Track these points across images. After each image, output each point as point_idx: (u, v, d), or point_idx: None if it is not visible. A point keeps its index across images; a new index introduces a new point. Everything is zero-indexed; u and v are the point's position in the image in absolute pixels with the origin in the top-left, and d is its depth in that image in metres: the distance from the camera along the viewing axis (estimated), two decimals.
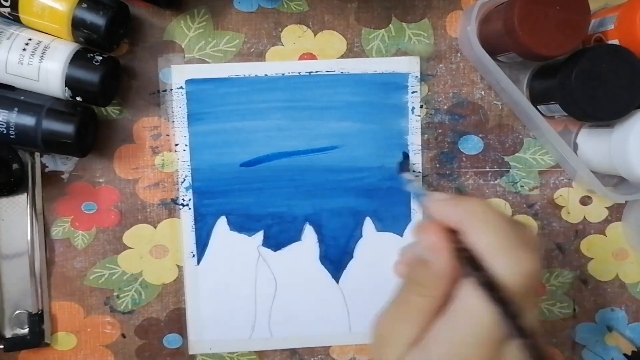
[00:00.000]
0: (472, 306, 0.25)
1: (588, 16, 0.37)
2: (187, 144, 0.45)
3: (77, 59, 0.39)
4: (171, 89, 0.44)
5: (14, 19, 0.39)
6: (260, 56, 0.45)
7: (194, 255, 0.46)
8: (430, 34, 0.45)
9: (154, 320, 0.47)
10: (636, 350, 0.48)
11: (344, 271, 0.47)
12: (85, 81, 0.39)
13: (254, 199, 0.45)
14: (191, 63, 0.44)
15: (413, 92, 0.45)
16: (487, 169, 0.47)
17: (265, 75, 0.45)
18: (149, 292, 0.46)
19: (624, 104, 0.39)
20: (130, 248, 0.46)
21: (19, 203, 0.44)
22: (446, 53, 0.45)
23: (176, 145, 0.45)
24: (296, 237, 0.46)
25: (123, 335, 0.47)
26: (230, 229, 0.46)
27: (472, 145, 0.46)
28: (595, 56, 0.38)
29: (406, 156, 0.45)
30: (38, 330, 0.44)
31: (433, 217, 0.29)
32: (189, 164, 0.45)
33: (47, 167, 0.44)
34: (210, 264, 0.46)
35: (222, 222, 0.46)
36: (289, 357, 0.48)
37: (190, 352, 0.47)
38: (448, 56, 0.45)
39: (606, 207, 0.47)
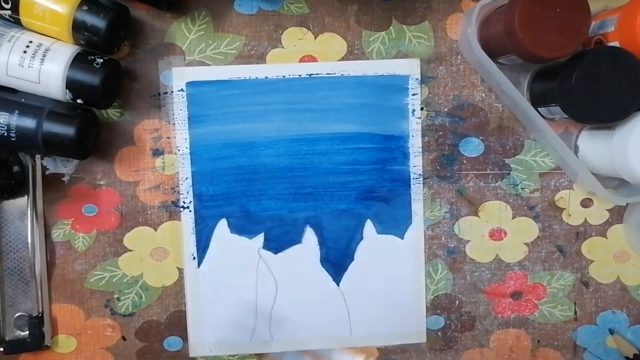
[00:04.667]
0: None
1: (588, 18, 0.37)
2: (188, 147, 0.45)
3: (77, 61, 0.39)
4: (172, 92, 0.44)
5: (15, 21, 0.39)
6: (260, 58, 0.45)
7: (194, 258, 0.46)
8: (430, 36, 0.45)
9: (155, 322, 0.46)
10: (637, 353, 0.47)
11: (345, 274, 0.46)
12: (86, 83, 0.39)
13: (254, 202, 0.45)
14: (192, 65, 0.44)
15: (413, 95, 0.45)
16: (488, 171, 0.46)
17: (266, 77, 0.45)
18: (150, 295, 0.46)
19: (624, 106, 0.39)
20: (131, 250, 0.46)
21: (20, 205, 0.44)
22: (446, 55, 0.45)
23: (177, 147, 0.45)
24: (297, 239, 0.46)
25: (123, 338, 0.47)
26: (231, 232, 0.46)
27: (472, 147, 0.46)
28: (596, 58, 0.38)
29: None
30: (38, 332, 0.44)
31: None
32: (190, 167, 0.45)
33: (48, 169, 0.44)
34: (211, 267, 0.46)
35: (222, 225, 0.46)
36: None
37: (191, 355, 0.47)
38: (448, 58, 0.45)
39: (607, 210, 0.47)
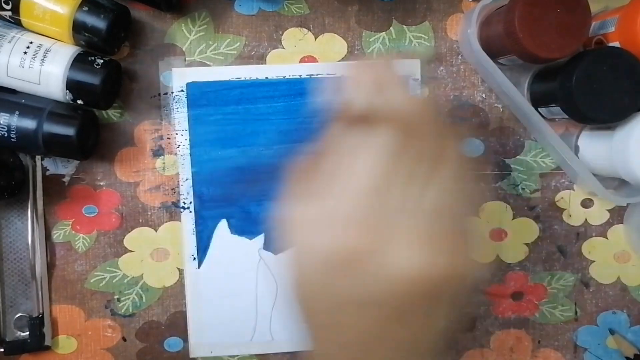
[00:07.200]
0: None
1: (589, 18, 0.37)
2: (188, 147, 0.45)
3: (78, 62, 0.39)
4: (172, 92, 0.44)
5: (15, 22, 0.39)
6: (261, 59, 0.45)
7: (194, 259, 0.46)
8: (431, 36, 0.45)
9: (155, 323, 0.46)
10: (638, 353, 0.47)
11: None
12: (86, 84, 0.39)
13: (255, 202, 0.45)
14: (192, 66, 0.44)
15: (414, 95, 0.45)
16: (489, 172, 0.46)
17: (266, 78, 0.45)
18: (150, 295, 0.46)
19: (625, 106, 0.39)
20: (131, 251, 0.46)
21: (20, 206, 0.44)
22: (447, 56, 0.45)
23: (177, 148, 0.45)
24: None
25: (124, 339, 0.47)
26: (231, 232, 0.46)
27: (473, 147, 0.46)
28: (596, 58, 0.38)
29: None
30: (39, 333, 0.44)
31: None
32: (190, 167, 0.45)
33: (48, 170, 0.44)
34: (211, 267, 0.46)
35: (223, 225, 0.46)
36: None
37: (191, 356, 0.47)
38: (449, 59, 0.45)
39: (607, 210, 0.47)
